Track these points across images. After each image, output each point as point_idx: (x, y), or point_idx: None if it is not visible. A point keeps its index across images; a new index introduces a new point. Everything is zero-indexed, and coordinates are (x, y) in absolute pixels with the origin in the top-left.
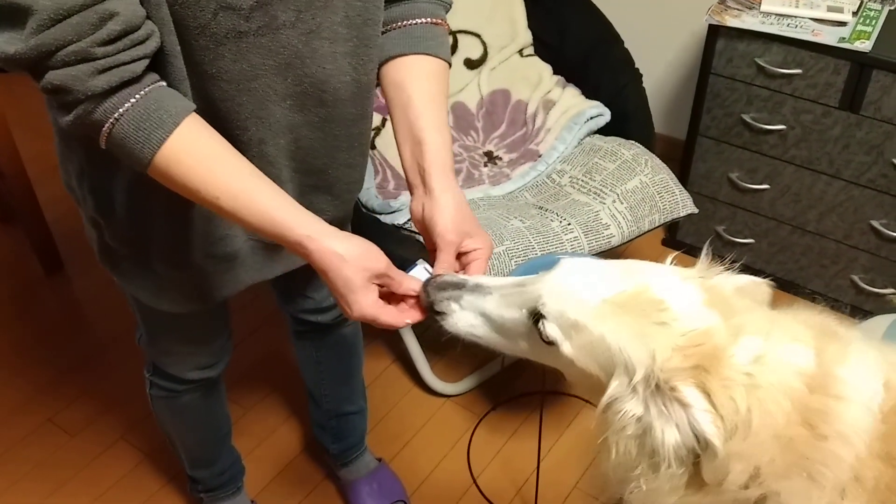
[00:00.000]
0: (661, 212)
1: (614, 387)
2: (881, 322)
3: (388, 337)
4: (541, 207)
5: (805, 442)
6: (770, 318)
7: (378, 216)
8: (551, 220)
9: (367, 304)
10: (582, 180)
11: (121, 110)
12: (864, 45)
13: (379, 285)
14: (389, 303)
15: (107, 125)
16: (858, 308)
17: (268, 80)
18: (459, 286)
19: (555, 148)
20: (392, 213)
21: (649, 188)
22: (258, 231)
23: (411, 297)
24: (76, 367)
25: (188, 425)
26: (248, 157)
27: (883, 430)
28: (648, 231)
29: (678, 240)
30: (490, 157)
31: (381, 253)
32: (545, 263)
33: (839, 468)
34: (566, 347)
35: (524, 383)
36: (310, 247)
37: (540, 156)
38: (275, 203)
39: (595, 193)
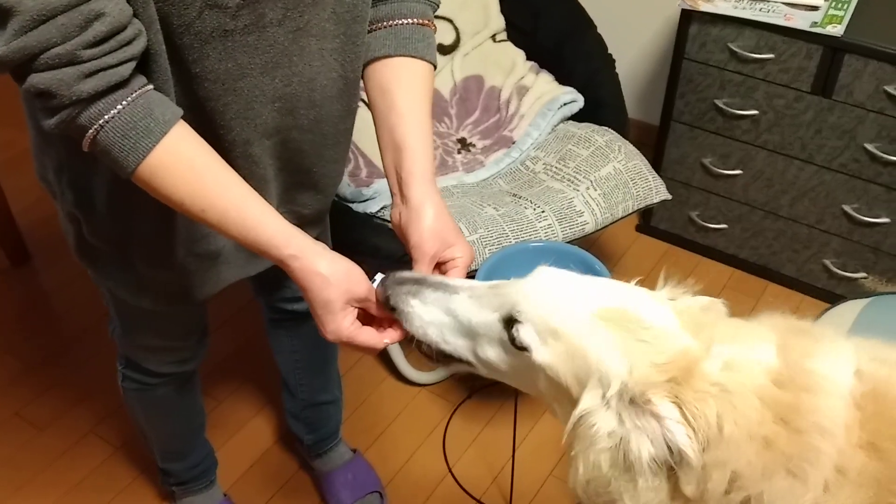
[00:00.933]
0: (634, 198)
1: (587, 399)
2: (853, 307)
3: None
4: (515, 195)
5: (781, 439)
6: (737, 325)
7: (350, 204)
8: (525, 208)
9: (343, 326)
10: (556, 167)
11: (106, 116)
12: (837, 30)
13: (358, 308)
14: (367, 324)
15: (91, 131)
16: (830, 292)
17: (254, 80)
18: (420, 282)
19: (528, 134)
20: (364, 201)
21: (623, 175)
22: (242, 244)
23: (388, 318)
24: (44, 360)
25: (161, 418)
26: (231, 157)
27: (859, 416)
28: (622, 218)
29: (652, 226)
30: (464, 144)
31: (364, 276)
32: (518, 251)
33: (820, 461)
34: (540, 354)
35: None
36: (294, 265)
37: (514, 142)
38: (262, 218)
39: (569, 180)
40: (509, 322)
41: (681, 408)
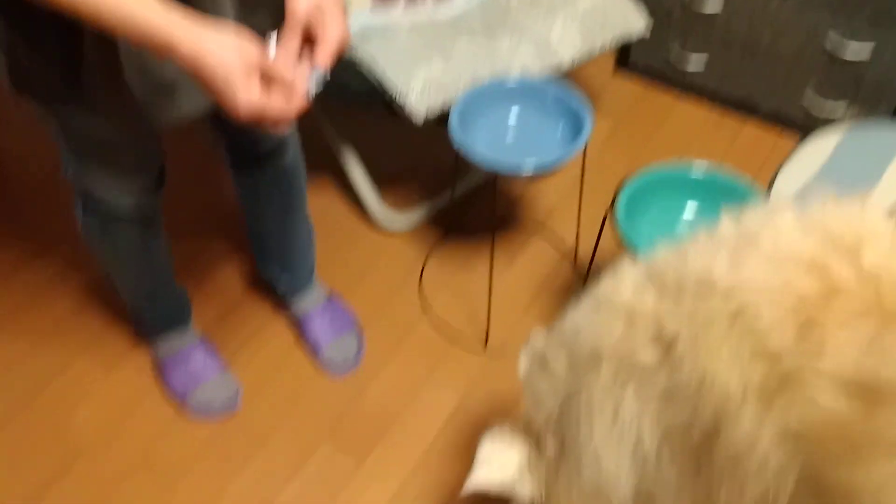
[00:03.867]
0: (613, 32)
1: None
2: (830, 138)
3: (334, 170)
4: (489, 28)
5: None
6: None
7: None
8: (500, 42)
9: (254, 94)
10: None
11: None
12: None
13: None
14: None
15: None
16: (808, 126)
17: None
18: None
19: None
20: None
21: (600, 7)
22: (125, 36)
23: (286, 83)
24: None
25: (126, 265)
26: None
27: None
28: (600, 52)
29: (631, 61)
30: None
31: (253, 40)
32: (493, 89)
33: None
34: None
35: (476, 213)
36: (182, 43)
37: None
38: (140, 5)
39: (545, 13)
40: None
41: None
